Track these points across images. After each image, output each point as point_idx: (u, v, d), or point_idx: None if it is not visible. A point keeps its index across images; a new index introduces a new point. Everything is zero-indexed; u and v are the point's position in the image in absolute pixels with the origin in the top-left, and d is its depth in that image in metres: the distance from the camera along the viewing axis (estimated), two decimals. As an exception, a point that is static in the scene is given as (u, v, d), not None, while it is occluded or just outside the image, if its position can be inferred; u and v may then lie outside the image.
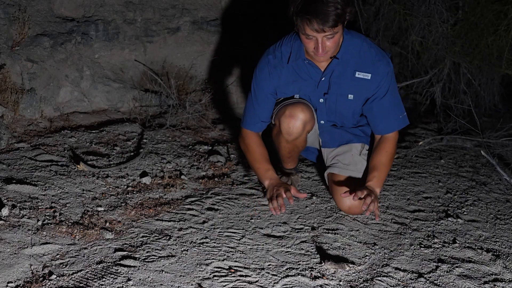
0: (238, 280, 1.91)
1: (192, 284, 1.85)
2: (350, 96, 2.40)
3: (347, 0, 2.12)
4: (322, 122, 2.56)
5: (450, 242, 2.38)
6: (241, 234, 2.27)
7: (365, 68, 2.34)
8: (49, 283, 1.79)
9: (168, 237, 2.19)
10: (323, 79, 2.38)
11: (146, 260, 1.98)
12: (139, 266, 1.93)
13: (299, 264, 2.06)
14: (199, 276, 1.91)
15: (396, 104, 2.42)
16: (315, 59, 2.33)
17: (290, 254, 2.13)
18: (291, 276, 1.97)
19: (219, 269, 1.97)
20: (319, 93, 2.43)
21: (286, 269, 2.02)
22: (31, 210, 2.27)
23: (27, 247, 2.00)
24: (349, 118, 2.52)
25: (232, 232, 2.28)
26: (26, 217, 2.21)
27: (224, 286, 1.87)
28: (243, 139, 2.52)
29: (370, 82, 2.35)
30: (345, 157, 2.56)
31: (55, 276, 1.83)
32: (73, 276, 1.84)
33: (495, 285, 2.05)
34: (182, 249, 2.10)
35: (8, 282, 1.78)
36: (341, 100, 2.42)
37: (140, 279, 1.85)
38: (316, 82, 2.40)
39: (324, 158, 2.67)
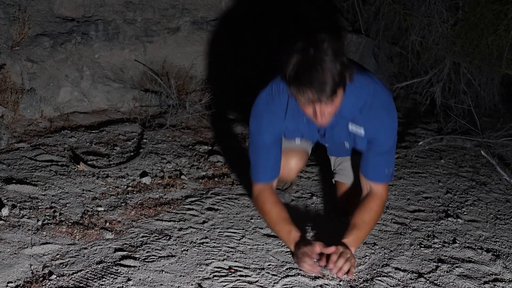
0: (238, 280, 1.91)
1: (192, 284, 1.85)
2: (347, 144, 2.25)
3: (344, 63, 1.88)
4: (327, 145, 2.42)
5: (450, 242, 2.38)
6: (241, 234, 2.27)
7: (360, 122, 2.12)
8: (49, 283, 1.79)
9: (168, 237, 2.18)
10: (323, 128, 2.21)
11: (146, 260, 1.98)
12: (139, 266, 1.93)
13: (299, 264, 2.06)
14: (199, 276, 1.91)
15: (389, 161, 2.20)
16: None
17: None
18: (291, 276, 1.97)
19: (219, 269, 1.97)
20: (323, 138, 2.30)
21: (286, 269, 2.02)
22: (31, 210, 2.27)
23: (27, 247, 2.00)
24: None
25: (232, 232, 2.28)
26: (26, 217, 2.21)
27: (224, 286, 1.87)
28: (256, 199, 2.25)
29: (363, 139, 2.14)
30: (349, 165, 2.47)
31: (55, 276, 1.83)
32: (73, 276, 1.84)
33: (495, 285, 2.05)
34: (182, 249, 2.10)
35: (8, 282, 1.78)
36: (339, 145, 2.31)
37: (140, 279, 1.85)
38: (317, 131, 2.26)
39: (331, 161, 2.59)
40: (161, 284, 1.83)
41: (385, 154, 2.15)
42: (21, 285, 1.78)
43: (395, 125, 2.15)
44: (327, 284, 1.93)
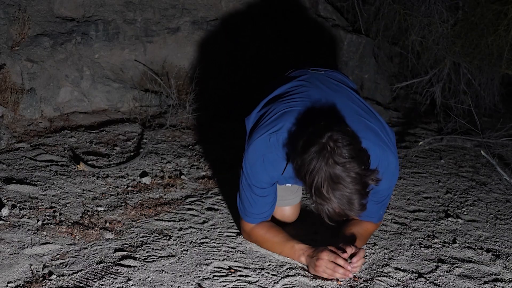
0: (238, 280, 1.91)
1: (192, 284, 1.85)
2: None
3: (367, 169, 1.75)
4: None
5: (450, 242, 2.38)
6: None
7: None
8: (49, 283, 1.79)
9: (168, 237, 2.18)
10: None
11: (146, 260, 1.98)
12: (139, 266, 1.93)
13: (299, 264, 2.06)
14: (199, 276, 1.91)
15: (384, 204, 2.16)
16: None
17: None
18: (291, 276, 1.97)
19: (219, 269, 1.97)
20: None
21: (286, 269, 2.02)
22: (31, 210, 2.27)
23: (27, 247, 2.00)
24: None
25: (232, 232, 2.28)
26: (26, 217, 2.21)
27: (224, 286, 1.87)
28: (248, 235, 2.19)
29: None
30: None
31: (55, 276, 1.83)
32: (73, 276, 1.84)
33: (495, 285, 2.05)
34: (182, 249, 2.10)
35: (8, 282, 1.78)
36: None
37: (140, 279, 1.85)
38: None
39: None
40: (161, 284, 1.83)
41: (380, 203, 2.10)
42: (21, 285, 1.78)
43: (395, 179, 2.09)
44: (327, 284, 1.93)
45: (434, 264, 2.16)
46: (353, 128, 1.85)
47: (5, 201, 2.30)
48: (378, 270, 2.07)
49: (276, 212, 2.36)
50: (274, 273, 1.98)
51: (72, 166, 2.76)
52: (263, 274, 1.96)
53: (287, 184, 2.25)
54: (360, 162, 1.72)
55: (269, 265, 2.04)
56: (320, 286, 1.92)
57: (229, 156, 3.18)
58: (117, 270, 1.89)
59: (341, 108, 2.06)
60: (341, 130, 1.76)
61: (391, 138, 2.12)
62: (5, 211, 2.19)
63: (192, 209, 2.48)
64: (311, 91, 2.13)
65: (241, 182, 2.11)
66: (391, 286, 1.97)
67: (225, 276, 1.93)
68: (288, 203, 2.37)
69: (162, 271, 1.92)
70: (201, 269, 1.95)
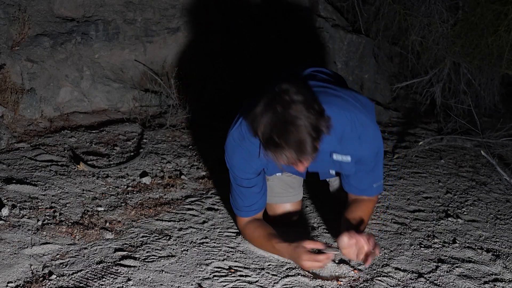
0: (238, 280, 1.91)
1: (192, 284, 1.85)
2: (332, 172, 2.19)
3: (317, 112, 1.74)
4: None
5: (450, 242, 2.38)
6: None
7: (344, 150, 2.03)
8: (49, 283, 1.79)
9: (168, 237, 2.18)
10: None
11: (146, 260, 1.98)
12: (139, 266, 1.93)
13: (299, 264, 2.06)
14: (199, 276, 1.91)
15: (376, 177, 2.12)
16: None
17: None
18: (291, 276, 1.97)
19: (219, 269, 1.97)
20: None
21: (286, 269, 2.02)
22: (31, 210, 2.27)
23: (27, 247, 2.00)
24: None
25: (232, 232, 2.28)
26: (26, 217, 2.21)
27: (224, 286, 1.87)
28: (242, 231, 2.22)
29: (350, 164, 2.05)
30: None
31: (55, 276, 1.83)
32: (73, 276, 1.84)
33: (495, 285, 2.05)
34: (182, 249, 2.10)
35: (8, 282, 1.78)
36: (323, 174, 2.27)
37: (140, 279, 1.85)
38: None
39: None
40: (161, 284, 1.83)
41: (370, 172, 2.08)
42: (21, 285, 1.78)
43: (376, 143, 2.04)
44: (327, 285, 1.93)
45: (434, 264, 2.16)
46: (318, 97, 1.85)
47: (5, 201, 2.30)
48: (378, 270, 2.07)
49: (278, 210, 2.36)
50: (274, 273, 1.98)
51: (72, 166, 2.76)
52: (263, 274, 1.96)
53: (277, 174, 2.24)
54: (309, 106, 1.72)
55: (269, 265, 2.04)
56: (320, 286, 1.92)
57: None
58: (117, 270, 1.89)
59: (306, 81, 2.09)
60: (291, 82, 1.77)
61: (367, 107, 2.12)
62: (5, 211, 2.19)
63: (192, 209, 2.48)
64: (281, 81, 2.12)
65: (230, 178, 2.15)
66: (391, 286, 1.97)
67: (225, 276, 1.93)
68: (288, 199, 2.37)
69: (162, 271, 1.92)
70: (201, 269, 1.95)
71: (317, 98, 1.82)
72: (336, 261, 2.10)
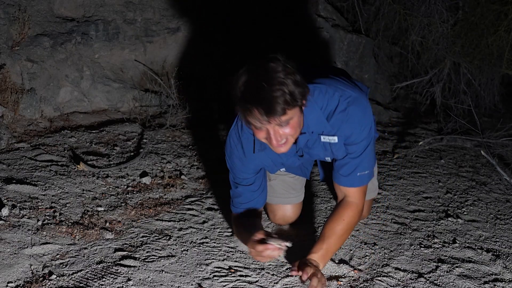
0: (238, 280, 1.91)
1: (192, 284, 1.85)
2: (328, 159, 2.11)
3: (296, 81, 1.74)
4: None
5: (450, 242, 2.38)
6: (241, 234, 2.27)
7: (331, 131, 1.98)
8: (49, 283, 1.79)
9: (168, 237, 2.18)
10: (299, 150, 2.07)
11: (146, 260, 1.98)
12: (139, 266, 1.93)
13: (299, 264, 2.05)
14: (199, 276, 1.91)
15: (362, 164, 2.03)
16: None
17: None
18: (291, 276, 1.96)
19: (219, 269, 1.97)
20: (303, 160, 2.15)
21: (286, 269, 2.02)
22: (31, 210, 2.27)
23: (27, 247, 2.00)
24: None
25: (232, 232, 2.28)
26: (26, 217, 2.21)
27: (224, 286, 1.87)
28: (232, 224, 2.23)
29: (339, 146, 2.00)
30: None
31: (55, 276, 1.83)
32: (73, 276, 1.84)
33: (495, 285, 2.05)
34: (182, 249, 2.10)
35: (8, 282, 1.78)
36: (321, 163, 2.26)
37: (140, 279, 1.85)
38: (295, 155, 2.09)
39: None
40: (161, 284, 1.83)
41: (357, 158, 2.01)
42: (21, 285, 1.78)
43: (365, 121, 1.97)
44: (327, 285, 1.93)
45: (434, 264, 2.16)
46: (306, 74, 1.86)
47: (5, 201, 2.30)
48: (378, 270, 2.07)
49: (278, 211, 2.36)
50: (274, 273, 1.98)
51: (72, 166, 2.76)
52: (263, 274, 1.96)
53: (281, 170, 2.23)
54: (288, 74, 1.73)
55: (269, 265, 2.04)
56: (320, 286, 1.92)
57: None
58: (117, 270, 1.89)
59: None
60: (278, 57, 1.77)
61: (363, 90, 2.12)
62: (5, 211, 2.19)
63: (192, 209, 2.48)
64: None
65: (229, 176, 2.17)
66: (391, 286, 1.97)
67: (225, 276, 1.93)
68: (290, 201, 2.38)
69: (162, 271, 1.92)
70: (201, 269, 1.95)
71: (300, 72, 1.79)
72: (336, 261, 2.10)
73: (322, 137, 1.99)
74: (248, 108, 1.73)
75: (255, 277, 1.94)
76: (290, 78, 1.73)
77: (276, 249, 1.82)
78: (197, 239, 2.19)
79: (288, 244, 1.82)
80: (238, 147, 2.05)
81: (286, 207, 2.38)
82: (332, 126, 1.96)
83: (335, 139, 1.98)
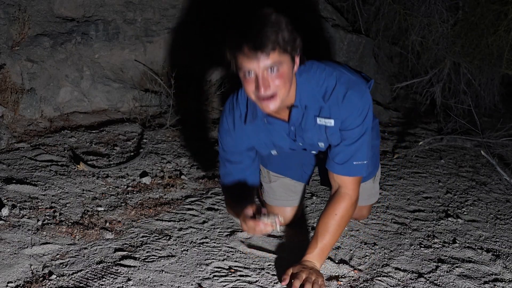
0: (238, 280, 1.91)
1: (192, 284, 1.85)
2: (321, 144, 2.03)
3: (290, 28, 1.73)
4: (314, 152, 2.21)
5: (450, 242, 2.38)
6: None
7: (328, 112, 1.91)
8: (49, 283, 1.79)
9: (168, 237, 2.18)
10: (292, 128, 2.00)
11: (146, 260, 1.98)
12: (139, 266, 1.93)
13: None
14: (199, 276, 1.91)
15: (359, 152, 1.96)
16: (269, 111, 1.85)
17: (287, 251, 2.12)
18: (284, 287, 1.96)
19: (219, 269, 1.97)
20: (296, 143, 2.07)
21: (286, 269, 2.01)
22: (31, 210, 2.27)
23: (27, 247, 2.00)
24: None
25: (232, 232, 2.28)
26: (26, 217, 2.21)
27: (224, 286, 1.87)
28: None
29: (334, 129, 1.94)
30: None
31: (55, 276, 1.83)
32: (73, 276, 1.84)
33: (495, 285, 2.05)
34: (182, 249, 2.10)
35: (8, 282, 1.78)
36: (314, 147, 2.10)
37: (140, 279, 1.85)
38: (287, 135, 2.03)
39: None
40: (161, 284, 1.83)
41: (352, 145, 1.93)
42: (21, 285, 1.78)
43: (362, 106, 1.89)
44: (327, 285, 1.93)
45: (434, 264, 2.16)
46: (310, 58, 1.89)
47: (5, 201, 2.30)
48: (378, 270, 2.07)
49: (277, 212, 2.36)
50: (274, 273, 1.98)
51: (72, 166, 2.76)
52: (263, 274, 1.96)
53: (272, 152, 2.14)
54: (283, 23, 1.73)
55: (269, 265, 2.04)
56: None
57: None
58: (117, 270, 1.89)
59: None
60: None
61: (365, 78, 2.05)
62: (5, 211, 2.19)
63: (192, 209, 2.48)
64: None
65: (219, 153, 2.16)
66: (391, 286, 1.97)
67: (225, 276, 1.93)
68: (289, 203, 2.38)
69: (162, 271, 1.92)
70: (201, 269, 1.95)
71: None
72: (336, 261, 2.10)
73: (318, 119, 1.93)
74: (238, 42, 1.70)
75: (255, 277, 1.94)
76: (283, 23, 1.72)
77: (268, 225, 1.82)
78: (197, 239, 2.19)
79: (281, 219, 1.82)
80: (229, 120, 2.03)
81: (285, 209, 2.38)
82: (329, 107, 1.90)
83: (331, 122, 1.92)
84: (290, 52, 1.75)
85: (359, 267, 2.08)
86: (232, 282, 1.89)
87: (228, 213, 2.22)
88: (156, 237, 2.17)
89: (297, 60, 1.82)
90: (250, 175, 2.15)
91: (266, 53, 1.69)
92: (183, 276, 1.90)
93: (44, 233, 2.11)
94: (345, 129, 1.93)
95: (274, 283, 1.92)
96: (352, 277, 2.00)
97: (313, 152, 2.18)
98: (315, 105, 1.92)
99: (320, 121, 1.93)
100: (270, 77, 1.74)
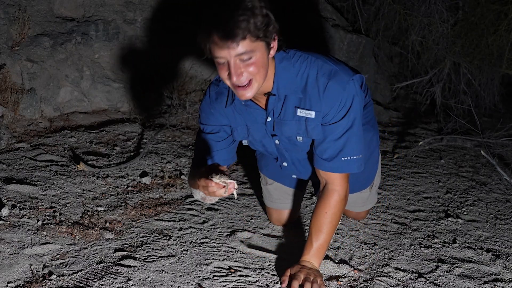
0: (238, 280, 1.91)
1: (192, 284, 1.85)
2: (299, 138, 1.95)
3: (266, 13, 1.64)
4: (285, 164, 2.15)
5: (450, 242, 2.38)
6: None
7: (308, 104, 1.84)
8: (49, 283, 1.79)
9: (168, 237, 2.18)
10: (269, 119, 1.93)
11: (146, 260, 1.98)
12: (139, 266, 1.93)
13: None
14: (199, 276, 1.91)
15: (347, 147, 1.88)
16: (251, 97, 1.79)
17: (286, 248, 2.13)
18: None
19: (219, 269, 1.97)
20: (270, 136, 2.00)
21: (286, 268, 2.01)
22: (31, 210, 2.27)
23: (27, 247, 2.00)
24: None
25: (232, 232, 2.28)
26: (26, 217, 2.21)
27: (224, 286, 1.87)
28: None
29: (315, 122, 1.86)
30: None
31: (55, 276, 1.83)
32: (73, 276, 1.84)
33: (495, 285, 2.05)
34: (182, 249, 2.10)
35: (8, 282, 1.78)
36: (291, 143, 2.00)
37: (140, 279, 1.85)
38: (263, 124, 1.96)
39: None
40: (161, 284, 1.83)
41: (340, 139, 1.86)
42: (21, 285, 1.78)
43: (345, 97, 1.81)
44: (327, 285, 1.93)
45: (434, 264, 2.16)
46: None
47: (5, 201, 2.30)
48: (378, 270, 2.07)
49: (274, 214, 2.38)
50: (274, 273, 1.98)
51: (72, 166, 2.76)
52: (263, 274, 1.96)
53: (244, 142, 2.05)
54: (264, 7, 1.64)
55: (269, 265, 2.04)
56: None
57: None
58: (117, 270, 1.89)
59: None
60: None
61: (352, 70, 1.90)
62: (5, 211, 2.19)
63: (192, 209, 2.48)
64: None
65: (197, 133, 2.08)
66: (391, 286, 1.97)
67: (225, 276, 1.93)
68: (285, 206, 2.38)
69: (162, 271, 1.92)
70: (201, 269, 1.95)
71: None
72: (336, 261, 2.10)
73: (298, 110, 1.85)
74: (208, 30, 1.63)
75: (255, 277, 1.94)
76: (257, 8, 1.62)
77: (220, 186, 1.66)
78: (197, 239, 2.19)
79: (235, 186, 1.66)
80: (212, 92, 1.97)
81: (282, 211, 2.38)
82: (309, 98, 1.83)
83: (311, 113, 1.84)
84: (264, 38, 1.66)
85: (359, 267, 2.08)
86: (232, 282, 1.89)
87: (190, 186, 1.99)
88: (156, 237, 2.17)
89: (274, 44, 1.73)
90: (223, 149, 2.02)
91: (237, 42, 1.61)
92: (183, 276, 1.90)
93: (44, 233, 2.11)
94: (327, 122, 1.85)
95: (274, 283, 1.92)
96: (352, 277, 2.00)
97: (289, 151, 2.06)
98: (295, 96, 1.85)
99: (301, 112, 1.86)
100: (243, 65, 1.67)
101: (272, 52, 1.75)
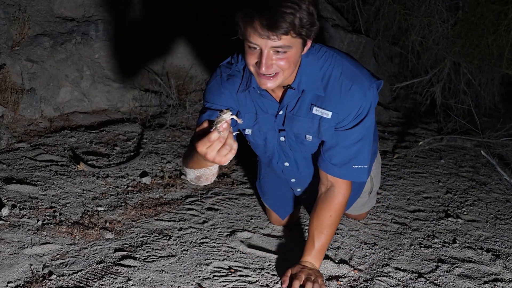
0: (238, 280, 1.91)
1: (192, 284, 1.85)
2: (309, 137, 1.90)
3: (312, 11, 1.57)
4: (287, 164, 2.08)
5: (450, 242, 2.38)
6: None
7: (326, 103, 1.79)
8: (49, 283, 1.79)
9: (168, 237, 2.18)
10: (281, 113, 1.88)
11: (146, 260, 1.98)
12: (139, 266, 1.93)
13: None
14: (199, 276, 1.91)
15: (360, 155, 1.86)
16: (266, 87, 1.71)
17: (290, 254, 2.13)
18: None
19: (219, 269, 1.97)
20: (276, 131, 1.94)
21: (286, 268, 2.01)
22: (31, 210, 2.27)
23: (27, 247, 2.00)
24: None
25: (232, 232, 2.28)
26: (26, 217, 2.21)
27: (224, 286, 1.87)
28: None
29: (330, 123, 1.82)
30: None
31: (55, 276, 1.83)
32: (73, 276, 1.84)
33: (495, 285, 2.05)
34: (182, 249, 2.10)
35: (8, 282, 1.78)
36: (299, 142, 1.95)
37: (140, 279, 1.85)
38: (273, 117, 1.90)
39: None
40: (161, 284, 1.83)
41: (354, 146, 1.83)
42: (21, 285, 1.78)
43: (364, 104, 1.78)
44: (327, 285, 1.93)
45: (434, 264, 2.16)
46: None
47: (5, 201, 2.30)
48: (378, 270, 2.07)
49: (273, 215, 2.37)
50: (274, 273, 1.98)
51: (72, 166, 2.76)
52: (263, 274, 1.96)
53: (247, 131, 1.96)
54: (313, 4, 1.57)
55: (269, 265, 2.04)
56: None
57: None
58: (117, 270, 1.89)
59: None
60: None
61: (373, 75, 1.85)
62: (5, 211, 2.19)
63: (192, 209, 2.48)
64: None
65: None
66: (391, 286, 1.97)
67: (225, 276, 1.93)
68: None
69: (162, 271, 1.92)
70: (201, 269, 1.95)
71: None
72: (336, 261, 2.10)
73: (314, 108, 1.80)
74: (250, 15, 1.54)
75: (255, 277, 1.94)
76: (305, 2, 1.54)
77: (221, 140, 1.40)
78: (197, 239, 2.19)
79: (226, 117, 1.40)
80: (223, 73, 1.88)
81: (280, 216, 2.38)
82: (328, 98, 1.78)
83: (328, 114, 1.80)
84: (304, 36, 1.60)
85: (359, 267, 2.08)
86: (232, 282, 1.89)
87: (184, 166, 1.77)
88: (156, 237, 2.17)
89: (309, 43, 1.68)
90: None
91: (278, 36, 1.55)
92: (183, 276, 1.90)
93: (44, 233, 2.11)
94: (342, 127, 1.82)
95: (274, 283, 1.92)
96: (352, 277, 2.00)
97: (295, 151, 2.00)
98: (314, 92, 1.80)
99: (317, 111, 1.81)
100: (276, 57, 1.61)
101: (306, 49, 1.69)
